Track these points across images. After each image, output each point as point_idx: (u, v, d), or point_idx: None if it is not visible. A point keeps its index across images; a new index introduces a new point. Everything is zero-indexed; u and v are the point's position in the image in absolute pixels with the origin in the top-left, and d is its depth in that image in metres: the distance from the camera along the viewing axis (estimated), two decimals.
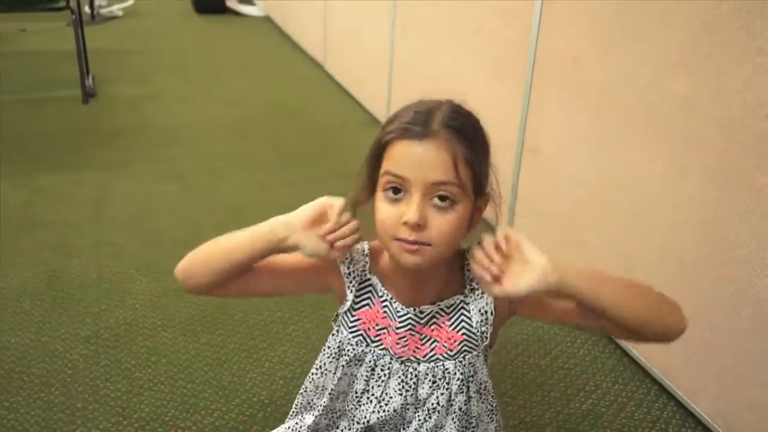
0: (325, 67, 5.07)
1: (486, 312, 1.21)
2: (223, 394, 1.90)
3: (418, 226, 1.06)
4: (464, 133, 1.10)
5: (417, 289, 1.21)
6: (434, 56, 3.24)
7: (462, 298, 1.21)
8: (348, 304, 1.23)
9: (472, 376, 1.24)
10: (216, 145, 3.69)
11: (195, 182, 3.23)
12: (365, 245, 1.25)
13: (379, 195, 1.11)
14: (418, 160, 1.06)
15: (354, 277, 1.22)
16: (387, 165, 1.09)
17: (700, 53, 1.73)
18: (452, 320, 1.22)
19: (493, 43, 2.72)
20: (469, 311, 1.21)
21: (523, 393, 1.96)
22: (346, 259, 1.22)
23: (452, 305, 1.21)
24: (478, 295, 1.21)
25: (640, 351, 2.08)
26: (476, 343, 1.22)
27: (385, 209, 1.09)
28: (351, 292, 1.23)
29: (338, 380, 1.27)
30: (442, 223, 1.07)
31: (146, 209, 2.95)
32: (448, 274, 1.21)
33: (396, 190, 1.08)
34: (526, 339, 2.20)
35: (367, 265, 1.23)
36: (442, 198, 1.07)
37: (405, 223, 1.06)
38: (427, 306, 1.21)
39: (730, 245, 1.71)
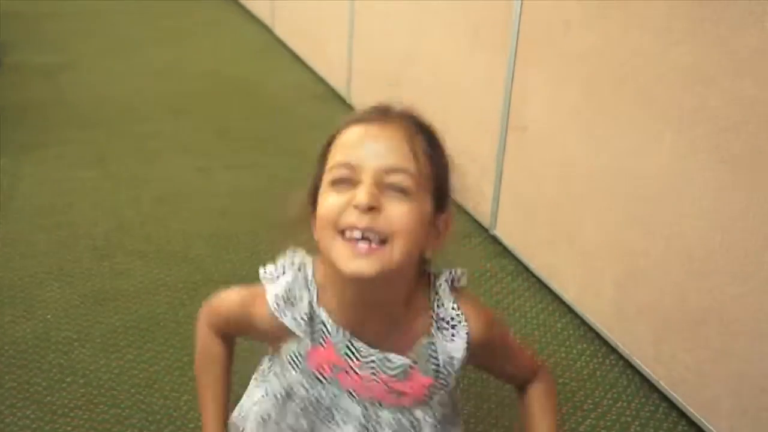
0: (274, 31, 5.03)
1: (453, 358, 1.17)
2: (154, 420, 1.87)
3: (371, 210, 1.02)
4: (425, 128, 1.11)
5: (369, 321, 1.15)
6: (402, 18, 3.22)
7: (430, 340, 1.17)
8: (302, 348, 1.18)
9: (444, 415, 1.24)
10: (144, 124, 3.64)
11: (119, 168, 3.18)
12: (309, 270, 1.18)
13: (323, 192, 1.08)
14: (370, 144, 1.06)
15: (305, 322, 1.16)
16: (333, 158, 1.08)
17: (706, 16, 1.73)
18: (422, 368, 1.18)
19: (470, 3, 2.70)
20: (436, 351, 1.17)
21: (510, 411, 1.95)
22: (282, 308, 1.15)
23: (421, 354, 1.17)
24: (449, 337, 1.17)
25: (644, 361, 2.09)
26: (445, 383, 1.20)
27: (329, 199, 1.06)
28: (305, 335, 1.17)
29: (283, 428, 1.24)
30: (400, 211, 1.04)
31: (60, 200, 2.89)
32: (403, 302, 1.15)
33: (346, 182, 1.06)
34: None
35: (314, 297, 1.17)
36: (397, 190, 1.05)
37: (355, 207, 1.03)
38: (398, 358, 1.16)
39: (747, 236, 1.71)
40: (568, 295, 2.37)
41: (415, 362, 1.17)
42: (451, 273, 1.18)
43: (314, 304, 1.16)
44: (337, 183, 1.06)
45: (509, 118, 2.54)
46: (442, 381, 1.20)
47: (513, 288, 2.49)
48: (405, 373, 1.17)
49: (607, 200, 2.13)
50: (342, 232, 1.04)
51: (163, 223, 2.76)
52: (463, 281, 1.20)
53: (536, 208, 2.47)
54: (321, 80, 4.20)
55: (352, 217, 1.03)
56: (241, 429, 1.33)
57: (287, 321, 1.15)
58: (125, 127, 3.58)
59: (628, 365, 2.15)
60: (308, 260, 1.19)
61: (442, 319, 1.17)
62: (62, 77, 4.18)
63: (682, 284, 1.91)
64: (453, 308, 1.16)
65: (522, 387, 1.35)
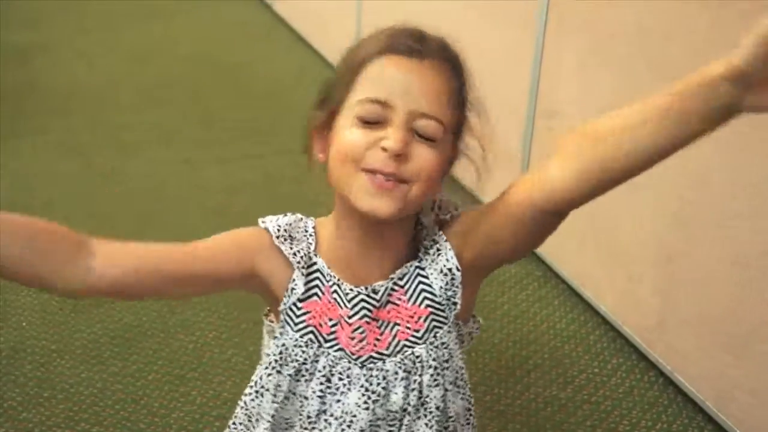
0: (273, 7, 5.04)
1: (449, 270, 1.22)
2: None
3: (398, 157, 1.10)
4: (460, 69, 1.18)
5: (365, 262, 1.23)
6: None
7: (416, 263, 1.24)
8: (297, 293, 1.23)
9: (447, 361, 1.25)
10: (126, 112, 3.66)
11: (100, 160, 3.19)
12: (309, 222, 1.27)
13: (346, 122, 1.14)
14: (405, 81, 1.12)
15: (301, 256, 1.23)
16: (363, 89, 1.13)
17: None
18: (410, 292, 1.24)
19: None
20: (427, 276, 1.23)
21: None
22: (283, 236, 1.23)
23: (406, 274, 1.24)
24: (434, 253, 1.23)
25: (688, 378, 2.09)
26: (444, 315, 1.24)
27: (354, 133, 1.13)
28: (300, 276, 1.22)
29: (282, 401, 1.26)
30: (425, 158, 1.12)
31: (38, 195, 2.91)
32: (403, 240, 1.24)
33: (370, 122, 1.12)
34: (540, 364, 2.21)
35: (312, 246, 1.25)
36: (426, 136, 1.12)
37: (383, 150, 1.10)
38: (380, 283, 1.23)
39: None
40: (603, 305, 2.38)
41: (397, 285, 1.23)
42: (435, 202, 1.26)
43: (311, 251, 1.24)
44: (364, 118, 1.12)
45: (537, 103, 2.55)
46: (440, 313, 1.24)
47: (541, 296, 2.50)
48: (388, 297, 1.23)
49: (647, 198, 2.14)
50: (363, 169, 1.11)
51: (149, 220, 2.78)
52: (459, 210, 1.27)
53: None
54: (326, 63, 4.21)
55: (378, 161, 1.10)
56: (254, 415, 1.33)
57: (284, 248, 1.21)
58: (104, 116, 3.60)
59: (670, 382, 2.16)
60: (309, 218, 1.28)
61: (424, 238, 1.25)
62: (36, 59, 4.20)
63: (731, 293, 1.92)
64: (431, 226, 1.25)
65: (545, 186, 1.11)
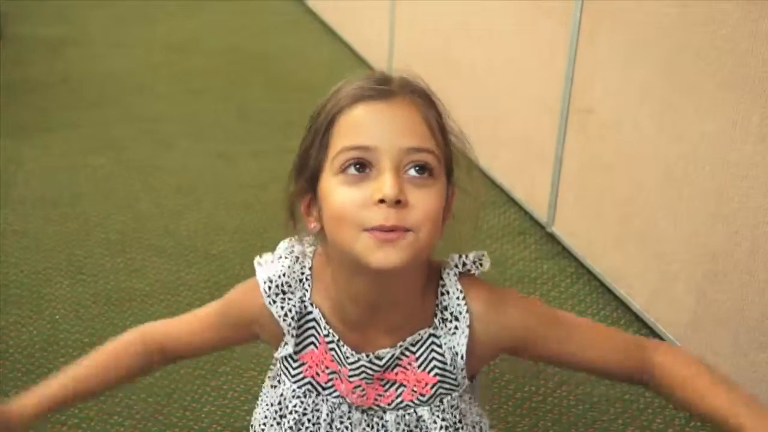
0: (306, 1, 5.06)
1: (456, 354, 1.19)
2: None
3: (398, 204, 1.03)
4: (431, 100, 1.14)
5: (371, 322, 1.18)
6: None
7: (431, 331, 1.19)
8: (289, 349, 1.22)
9: (460, 421, 1.24)
10: (160, 104, 3.68)
11: (132, 154, 3.22)
12: (306, 263, 1.22)
13: (331, 182, 1.08)
14: (384, 122, 1.07)
15: (292, 317, 1.20)
16: (341, 140, 1.08)
17: None
18: (420, 359, 1.20)
19: None
20: (440, 346, 1.20)
21: None
22: (275, 292, 1.20)
23: (419, 341, 1.20)
24: (452, 329, 1.18)
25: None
26: (454, 383, 1.22)
27: (344, 193, 1.06)
28: (291, 336, 1.21)
29: None
30: (425, 200, 1.06)
31: (68, 190, 2.94)
32: (416, 297, 1.18)
33: (359, 167, 1.06)
34: None
35: (307, 294, 1.21)
36: (419, 169, 1.07)
37: (380, 202, 1.03)
38: (386, 350, 1.19)
39: None
40: (638, 302, 2.37)
41: (408, 350, 1.20)
42: (461, 257, 1.20)
43: (307, 300, 1.20)
44: (348, 168, 1.06)
45: (571, 99, 2.55)
46: (451, 380, 1.21)
47: (573, 293, 2.50)
48: (395, 363, 1.20)
49: (685, 193, 2.13)
50: (364, 230, 1.05)
51: (182, 215, 2.80)
52: (485, 265, 1.21)
53: (601, 202, 2.47)
54: (358, 56, 4.23)
55: (378, 217, 1.04)
56: None
57: (274, 309, 1.19)
58: (137, 108, 3.63)
59: None
60: (308, 251, 1.23)
61: (446, 308, 1.18)
62: (68, 52, 4.24)
63: (765, 297, 1.91)
64: (457, 297, 1.18)
65: (641, 376, 1.22)
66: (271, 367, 1.31)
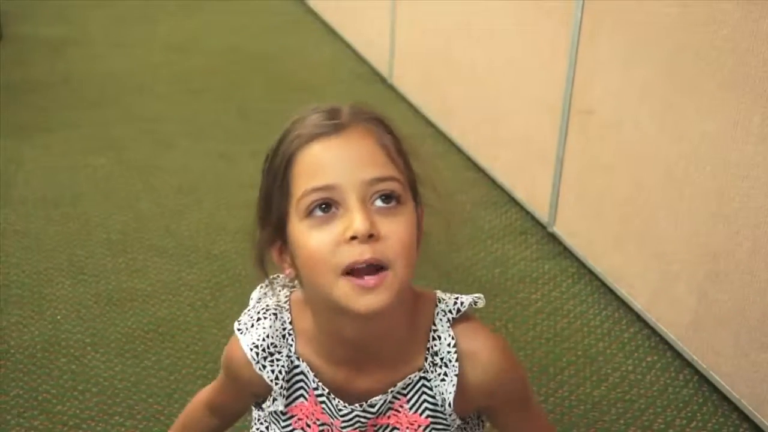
0: (306, 1, 5.06)
1: (444, 401, 1.19)
2: None
3: (370, 238, 1.02)
4: (385, 124, 1.12)
5: (359, 360, 1.17)
6: None
7: (421, 374, 1.19)
8: (279, 406, 1.22)
9: None
10: (160, 104, 3.69)
11: (133, 154, 3.23)
12: (286, 317, 1.20)
13: (299, 227, 1.06)
14: (342, 157, 1.06)
15: (283, 377, 1.20)
16: (303, 183, 1.06)
17: None
18: (412, 401, 1.20)
19: None
20: (431, 388, 1.19)
21: None
22: (263, 356, 1.19)
23: (409, 384, 1.19)
24: (441, 374, 1.17)
25: (724, 377, 2.09)
26: (447, 424, 1.22)
27: (314, 237, 1.04)
28: (281, 396, 1.21)
29: None
30: (397, 229, 1.04)
31: (69, 190, 2.95)
32: (402, 331, 1.18)
33: (325, 207, 1.05)
34: (574, 361, 2.21)
35: (292, 348, 1.20)
36: (386, 198, 1.05)
37: (352, 239, 1.02)
38: (378, 398, 1.19)
39: None
40: (638, 302, 2.38)
41: (400, 393, 1.19)
42: (456, 301, 1.19)
43: (293, 355, 1.19)
44: (314, 211, 1.05)
45: (572, 99, 2.55)
46: (442, 422, 1.21)
47: (574, 293, 2.50)
48: (388, 407, 1.19)
49: (686, 194, 2.14)
50: (343, 273, 1.04)
51: (183, 215, 2.81)
52: (479, 305, 1.20)
53: (602, 202, 2.47)
54: (358, 56, 4.23)
55: (353, 254, 1.02)
56: None
57: (266, 375, 1.18)
58: (138, 109, 3.63)
59: (705, 381, 2.15)
60: (283, 300, 1.21)
61: (436, 353, 1.17)
62: (68, 52, 4.24)
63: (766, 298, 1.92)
64: (448, 344, 1.17)
65: None
66: (258, 411, 1.33)
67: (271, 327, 1.18)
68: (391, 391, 1.18)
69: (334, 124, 1.07)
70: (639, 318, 2.37)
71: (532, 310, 2.41)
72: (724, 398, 2.09)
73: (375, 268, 1.03)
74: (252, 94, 3.85)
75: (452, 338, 1.16)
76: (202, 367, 2.12)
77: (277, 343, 1.18)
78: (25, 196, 2.89)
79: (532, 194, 2.86)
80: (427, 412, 1.20)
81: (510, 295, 2.47)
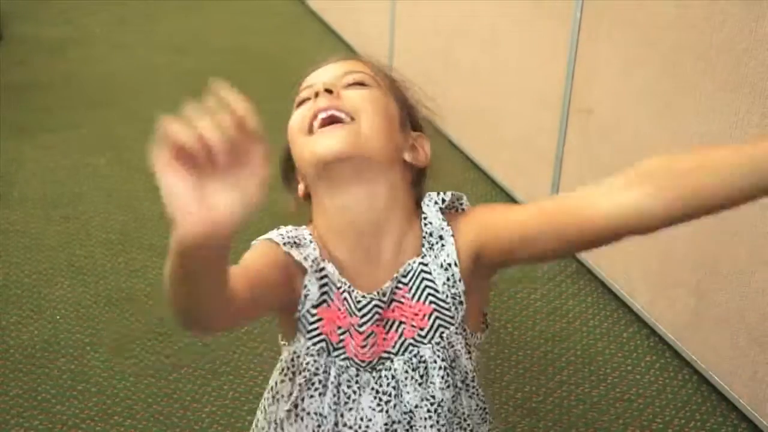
0: (307, 1, 5.06)
1: (449, 265, 1.21)
2: None
3: (329, 93, 1.16)
4: (380, 66, 1.28)
5: (365, 259, 1.21)
6: None
7: (419, 260, 1.22)
8: (312, 298, 1.22)
9: (454, 361, 1.24)
10: (161, 105, 3.68)
11: (133, 154, 3.22)
12: (305, 231, 1.24)
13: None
14: (330, 67, 1.24)
15: (313, 259, 1.21)
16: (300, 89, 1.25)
17: None
18: (412, 289, 1.22)
19: None
20: (430, 272, 1.22)
21: None
22: (290, 242, 1.21)
23: (409, 271, 1.22)
24: (438, 249, 1.22)
25: (722, 376, 2.09)
26: (450, 315, 1.23)
27: (293, 117, 1.21)
28: (313, 282, 1.21)
29: (296, 414, 1.25)
30: (359, 93, 1.18)
31: (68, 190, 2.95)
32: (401, 226, 1.22)
33: (307, 100, 1.20)
34: (573, 361, 2.21)
35: (317, 251, 1.22)
36: (355, 84, 1.20)
37: (315, 95, 1.17)
38: (386, 285, 1.21)
39: None
40: (638, 302, 2.37)
41: (401, 283, 1.22)
42: (439, 194, 1.24)
43: (317, 258, 1.22)
44: (299, 105, 1.21)
45: (572, 99, 2.55)
46: (445, 311, 1.22)
47: (573, 292, 2.50)
48: (391, 297, 1.22)
49: None
50: (310, 131, 1.17)
51: None
52: (464, 202, 1.25)
53: None
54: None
55: (314, 107, 1.17)
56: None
57: (296, 255, 1.19)
58: (139, 109, 3.63)
59: (704, 381, 2.15)
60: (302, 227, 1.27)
61: (431, 234, 1.23)
62: (69, 52, 4.25)
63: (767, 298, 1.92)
64: (439, 218, 1.23)
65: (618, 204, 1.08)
66: (280, 359, 1.31)
67: (293, 230, 1.23)
68: (395, 278, 1.21)
69: (334, 58, 1.26)
70: (638, 318, 2.37)
71: (531, 309, 2.41)
72: (723, 398, 2.09)
73: (336, 117, 1.16)
74: (252, 94, 3.81)
75: (441, 217, 1.22)
76: (201, 367, 2.12)
77: (300, 242, 1.22)
78: (26, 195, 2.89)
79: (532, 194, 2.85)
80: (430, 299, 1.22)
81: (509, 295, 2.47)
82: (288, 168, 1.31)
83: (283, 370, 1.27)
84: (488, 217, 1.22)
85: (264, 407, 1.33)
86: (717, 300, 2.08)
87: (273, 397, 1.30)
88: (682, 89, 2.10)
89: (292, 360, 1.26)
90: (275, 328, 2.28)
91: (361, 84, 1.20)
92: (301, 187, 1.27)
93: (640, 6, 2.22)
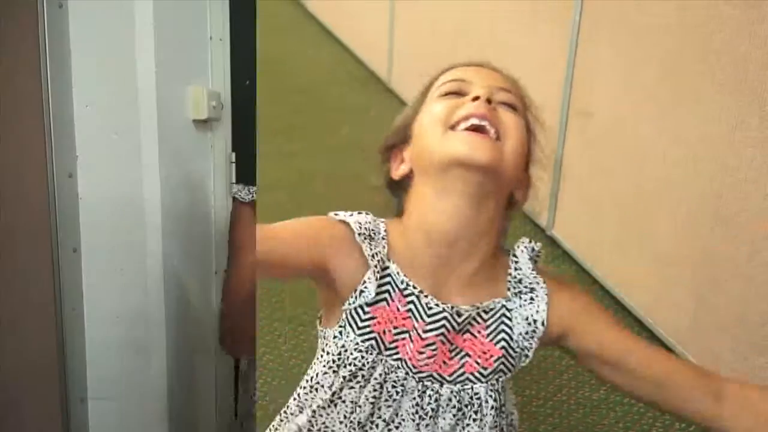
0: (303, 3, 5.06)
1: (534, 321, 1.21)
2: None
3: (488, 103, 1.16)
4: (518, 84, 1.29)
5: (444, 270, 1.20)
6: None
7: (503, 302, 1.22)
8: (367, 296, 1.21)
9: (504, 405, 1.24)
10: None
11: None
12: (381, 225, 1.24)
13: (428, 106, 1.21)
14: (478, 70, 1.24)
15: (379, 259, 1.20)
16: (439, 83, 1.23)
17: None
18: (490, 328, 1.22)
19: None
20: (511, 318, 1.22)
21: None
22: (364, 234, 1.21)
23: (492, 309, 1.22)
24: (527, 300, 1.22)
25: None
26: (513, 363, 1.23)
27: (439, 104, 1.19)
28: (373, 281, 1.20)
29: (331, 400, 1.26)
30: (512, 118, 1.18)
31: None
32: (488, 250, 1.21)
33: (455, 94, 1.20)
34: (573, 365, 2.20)
35: (385, 250, 1.22)
36: (507, 104, 1.20)
37: (474, 99, 1.16)
38: (465, 307, 1.20)
39: None
40: (638, 306, 2.37)
41: (481, 317, 1.21)
42: (531, 241, 1.25)
43: (385, 255, 1.21)
44: (445, 96, 1.20)
45: (571, 103, 2.55)
46: (511, 359, 1.22)
47: None
48: (467, 326, 1.21)
49: (685, 197, 2.13)
50: (452, 128, 1.15)
51: None
52: (542, 258, 1.25)
53: (602, 205, 2.47)
54: (357, 60, 4.22)
55: (469, 108, 1.15)
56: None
57: (366, 249, 1.19)
58: None
59: None
60: (380, 219, 1.26)
61: (520, 281, 1.22)
62: None
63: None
64: (531, 269, 1.22)
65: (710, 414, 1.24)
66: (333, 336, 1.27)
67: (371, 222, 1.23)
68: (478, 307, 1.21)
69: (476, 62, 1.27)
70: (638, 321, 2.36)
71: None
72: None
73: (487, 129, 1.15)
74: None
75: (532, 268, 1.22)
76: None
77: (374, 236, 1.22)
78: None
79: (531, 197, 2.85)
80: (502, 343, 1.22)
81: None
82: (394, 145, 1.28)
83: (328, 362, 1.26)
84: (600, 316, 1.23)
85: (298, 395, 1.31)
86: (717, 304, 2.08)
87: (311, 387, 1.29)
88: (682, 92, 2.10)
89: (339, 354, 1.25)
90: (275, 332, 2.28)
91: (512, 107, 1.20)
92: (404, 168, 1.25)
93: (639, 9, 2.21)
